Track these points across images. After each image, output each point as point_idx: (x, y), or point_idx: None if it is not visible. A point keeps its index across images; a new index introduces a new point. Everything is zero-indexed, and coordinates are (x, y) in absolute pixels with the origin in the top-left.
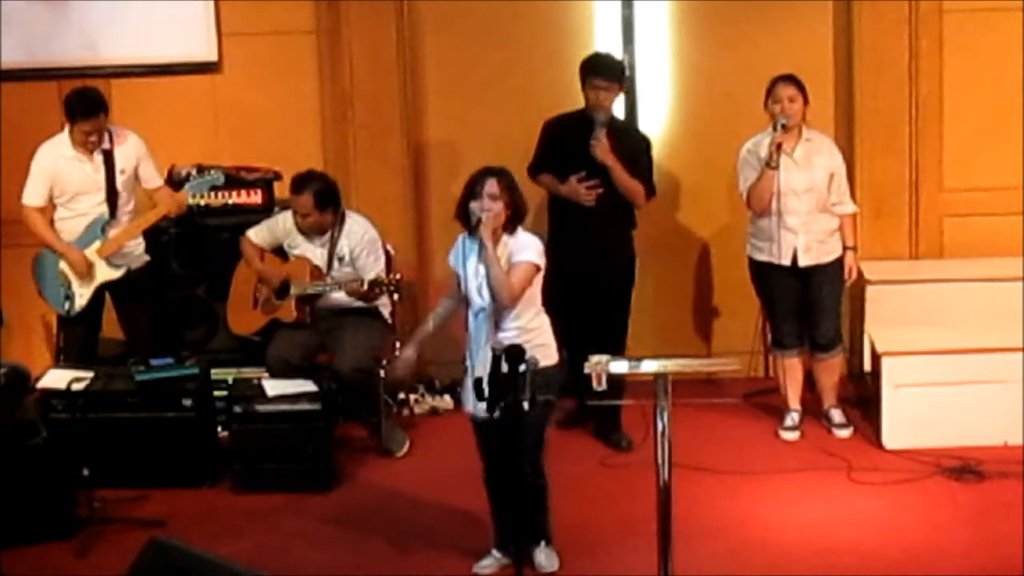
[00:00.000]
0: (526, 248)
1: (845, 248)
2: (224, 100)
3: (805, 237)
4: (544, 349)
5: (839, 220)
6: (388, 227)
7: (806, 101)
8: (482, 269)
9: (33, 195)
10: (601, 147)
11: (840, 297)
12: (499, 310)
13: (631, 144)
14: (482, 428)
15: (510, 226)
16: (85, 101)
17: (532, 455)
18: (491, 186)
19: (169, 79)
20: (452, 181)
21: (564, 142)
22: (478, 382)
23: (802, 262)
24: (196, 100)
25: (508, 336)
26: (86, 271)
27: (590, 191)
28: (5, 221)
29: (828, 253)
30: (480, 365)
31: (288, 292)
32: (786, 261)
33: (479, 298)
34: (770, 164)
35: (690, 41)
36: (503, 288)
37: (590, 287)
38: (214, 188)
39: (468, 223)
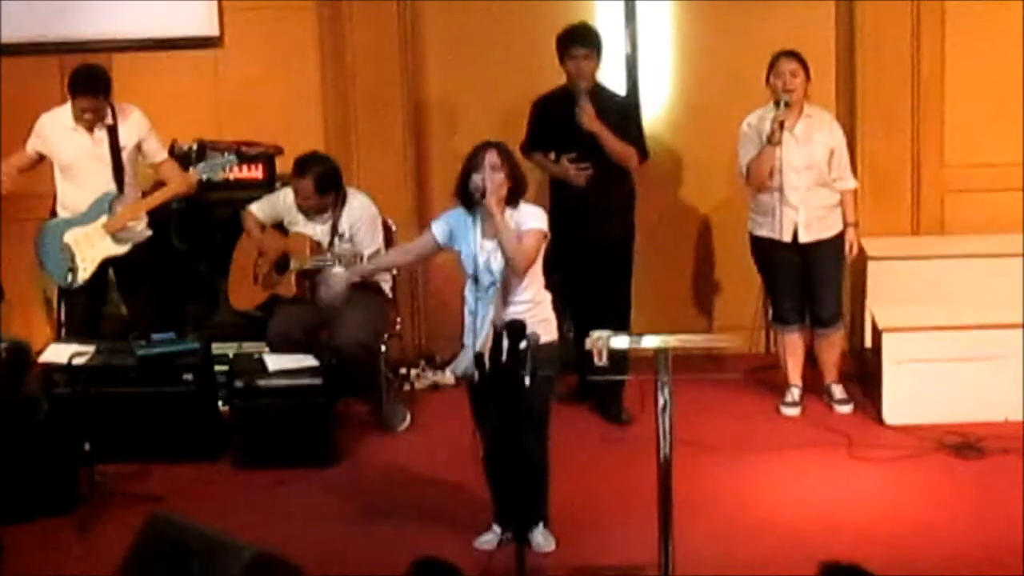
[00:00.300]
0: (531, 217)
1: (846, 224)
2: (225, 75)
3: (805, 213)
4: (548, 323)
5: (840, 196)
6: (388, 202)
7: (808, 77)
8: (488, 244)
9: (28, 144)
10: (587, 114)
11: (841, 272)
12: (510, 283)
13: (617, 108)
14: (480, 403)
15: (512, 199)
16: (87, 77)
17: (537, 428)
18: (491, 156)
19: (170, 54)
20: (453, 156)
21: (553, 118)
22: (479, 356)
23: (802, 238)
24: (197, 75)
25: (518, 310)
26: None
27: (580, 172)
28: (6, 196)
29: (829, 228)
30: (485, 340)
31: (288, 268)
32: (787, 237)
33: (488, 273)
34: (772, 141)
35: (692, 18)
36: (518, 254)
37: (591, 258)
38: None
39: (469, 200)
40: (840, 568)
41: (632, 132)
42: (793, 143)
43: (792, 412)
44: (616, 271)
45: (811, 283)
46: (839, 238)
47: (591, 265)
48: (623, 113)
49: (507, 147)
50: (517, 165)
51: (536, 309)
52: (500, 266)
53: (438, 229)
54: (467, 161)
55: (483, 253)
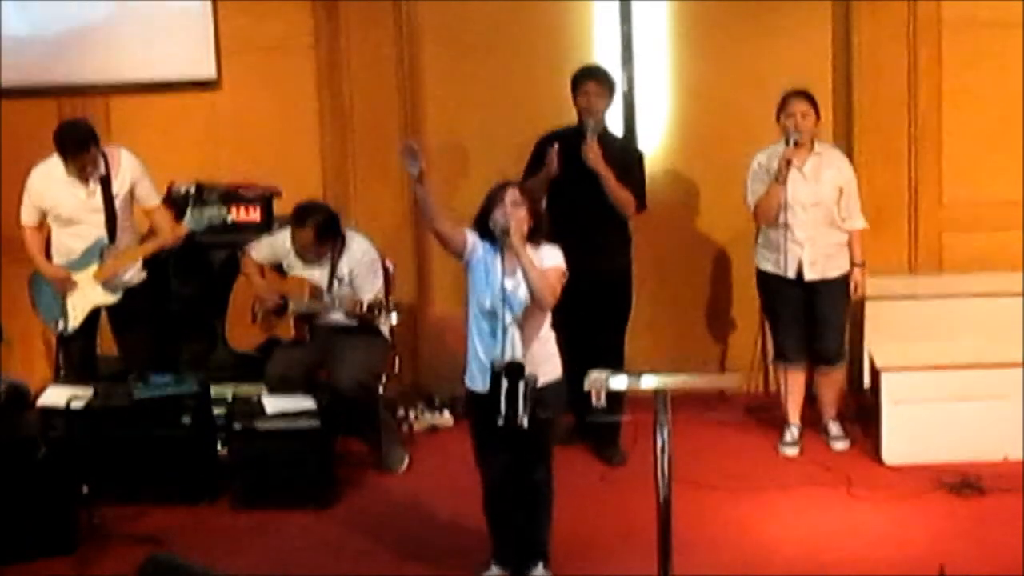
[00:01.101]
0: (552, 256)
1: (853, 264)
2: (223, 116)
3: (811, 250)
4: (555, 359)
5: (848, 235)
6: (387, 241)
7: (818, 116)
8: (509, 283)
9: (25, 215)
10: (592, 153)
11: (845, 312)
12: (528, 320)
13: (623, 154)
14: (483, 441)
15: (533, 237)
16: (73, 137)
17: (542, 466)
18: (513, 194)
19: (168, 96)
20: (452, 194)
21: (563, 153)
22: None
23: (807, 276)
24: (195, 117)
25: (533, 348)
26: (68, 287)
27: (553, 156)
28: (5, 238)
29: (835, 268)
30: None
31: (287, 309)
32: (791, 273)
33: (510, 309)
34: (778, 179)
35: (689, 53)
36: (546, 290)
37: (587, 300)
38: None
39: (488, 237)
40: None
41: (634, 180)
42: (801, 180)
43: (791, 452)
44: (612, 309)
45: (814, 321)
46: (845, 278)
47: (587, 303)
48: (627, 160)
49: (528, 186)
50: (538, 203)
51: (547, 346)
52: (521, 302)
53: (472, 237)
54: (487, 198)
55: (498, 289)
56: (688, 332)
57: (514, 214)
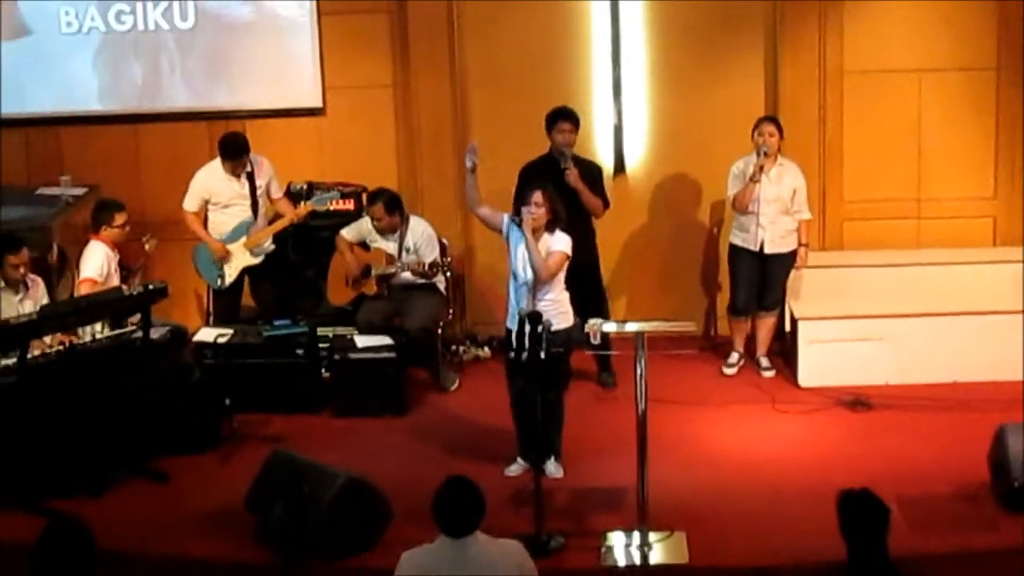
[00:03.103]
0: (560, 243)
1: (800, 244)
2: (327, 135)
3: (771, 232)
4: (566, 315)
5: (798, 224)
6: (444, 227)
7: (781, 136)
8: (526, 254)
9: (190, 203)
10: (573, 175)
11: (787, 277)
12: (537, 284)
13: (589, 171)
14: (512, 369)
15: (551, 227)
16: (233, 147)
17: (555, 387)
18: (536, 196)
19: (288, 120)
20: (491, 196)
21: (539, 177)
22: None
23: (767, 250)
24: (307, 135)
25: (544, 304)
26: (225, 256)
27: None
28: (168, 222)
29: (786, 246)
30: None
31: (370, 274)
32: (755, 248)
33: (523, 274)
34: (753, 179)
35: (663, 92)
36: (542, 269)
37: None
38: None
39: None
40: (855, 495)
41: (600, 189)
42: (767, 182)
43: (730, 371)
44: (590, 280)
45: (764, 282)
46: (792, 254)
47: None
48: (592, 174)
49: (552, 188)
50: (559, 202)
51: (557, 304)
52: (531, 272)
53: (506, 220)
54: (521, 196)
55: (521, 260)
56: (654, 293)
57: (533, 211)
